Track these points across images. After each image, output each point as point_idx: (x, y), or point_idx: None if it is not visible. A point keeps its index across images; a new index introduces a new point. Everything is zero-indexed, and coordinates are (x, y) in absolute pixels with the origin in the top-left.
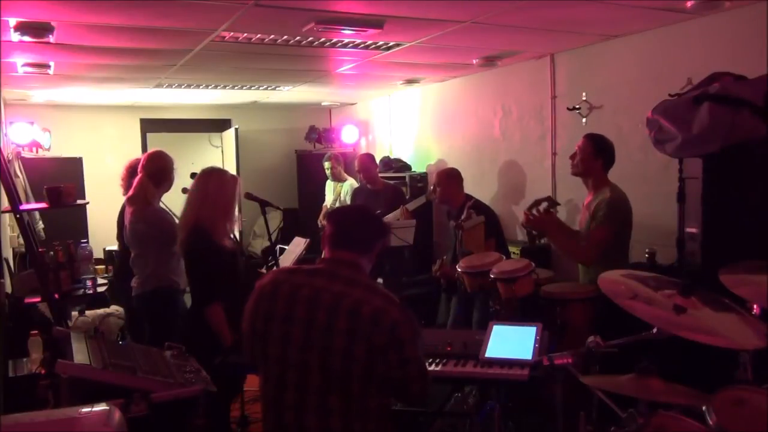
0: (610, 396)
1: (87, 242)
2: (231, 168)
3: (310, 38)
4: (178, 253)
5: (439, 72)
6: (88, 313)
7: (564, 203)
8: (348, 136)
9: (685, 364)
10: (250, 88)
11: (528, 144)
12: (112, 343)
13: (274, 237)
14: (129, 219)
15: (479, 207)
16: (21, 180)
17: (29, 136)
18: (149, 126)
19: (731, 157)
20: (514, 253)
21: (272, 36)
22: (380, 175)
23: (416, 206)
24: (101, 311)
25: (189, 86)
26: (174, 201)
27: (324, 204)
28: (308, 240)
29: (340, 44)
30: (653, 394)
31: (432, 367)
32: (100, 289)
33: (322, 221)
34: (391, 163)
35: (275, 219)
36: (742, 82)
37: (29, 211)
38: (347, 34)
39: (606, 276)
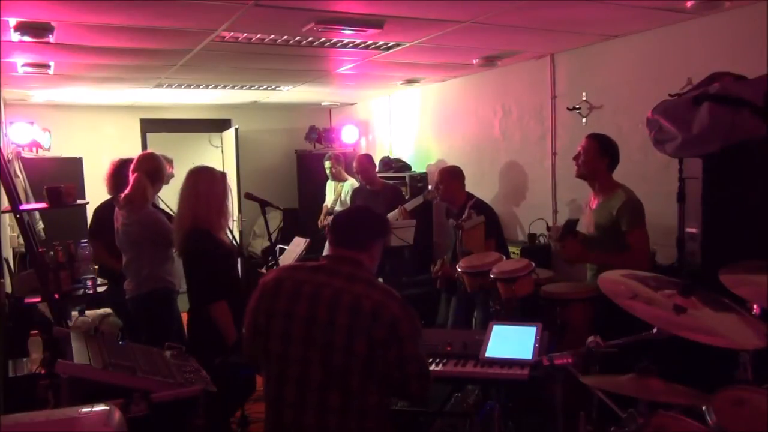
0: (610, 396)
1: (87, 242)
2: (231, 168)
3: (310, 38)
4: (173, 255)
5: (439, 72)
6: (88, 313)
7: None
8: (348, 136)
9: (685, 364)
10: (250, 88)
11: (528, 144)
12: (112, 343)
13: (274, 237)
14: (121, 221)
15: (480, 206)
16: (21, 180)
17: (29, 136)
18: (149, 126)
19: (731, 157)
20: (514, 253)
21: (272, 36)
22: (380, 175)
23: (414, 206)
24: (101, 311)
25: (189, 86)
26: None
27: (324, 204)
28: (308, 240)
29: (340, 44)
30: (653, 394)
31: (432, 367)
32: (100, 289)
33: (322, 221)
34: (391, 163)
35: (275, 219)
36: (742, 82)
37: (29, 211)
38: (347, 34)
39: (606, 276)
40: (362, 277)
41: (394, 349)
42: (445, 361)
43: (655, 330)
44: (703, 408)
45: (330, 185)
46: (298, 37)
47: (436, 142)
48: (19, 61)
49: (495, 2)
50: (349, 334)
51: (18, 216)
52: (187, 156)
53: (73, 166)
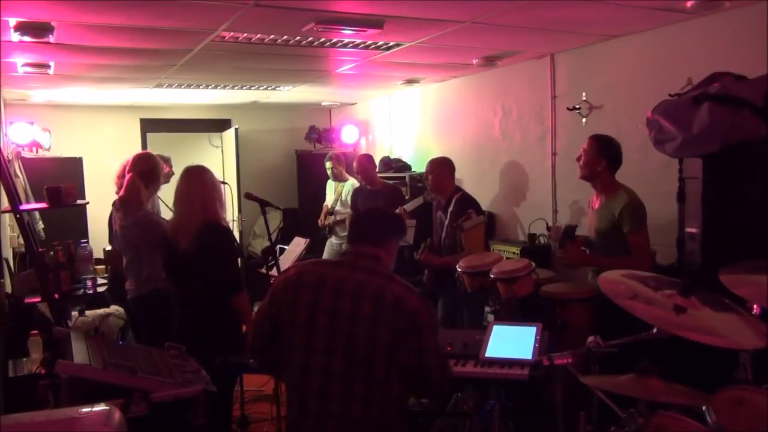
0: (610, 396)
1: (87, 242)
2: (231, 168)
3: (310, 38)
4: None
5: (439, 72)
6: (88, 313)
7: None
8: (348, 136)
9: (685, 364)
10: (250, 88)
11: (528, 144)
12: (112, 343)
13: (274, 237)
14: (119, 223)
15: (467, 200)
16: (21, 180)
17: (29, 136)
18: (149, 126)
19: (731, 157)
20: (513, 252)
21: (272, 36)
22: (380, 175)
23: (414, 207)
24: (101, 311)
25: (189, 86)
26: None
27: (324, 204)
28: (308, 240)
29: (340, 44)
30: (653, 394)
31: None
32: (100, 289)
33: (322, 221)
34: (391, 163)
35: (275, 219)
36: (742, 82)
37: (29, 211)
38: (347, 34)
39: (606, 276)
40: (382, 272)
41: (413, 339)
42: None
43: (655, 330)
44: (703, 408)
45: (330, 185)
46: (298, 37)
47: (436, 142)
48: (19, 61)
49: (495, 2)
50: (373, 324)
51: (18, 216)
52: (187, 156)
53: (73, 166)
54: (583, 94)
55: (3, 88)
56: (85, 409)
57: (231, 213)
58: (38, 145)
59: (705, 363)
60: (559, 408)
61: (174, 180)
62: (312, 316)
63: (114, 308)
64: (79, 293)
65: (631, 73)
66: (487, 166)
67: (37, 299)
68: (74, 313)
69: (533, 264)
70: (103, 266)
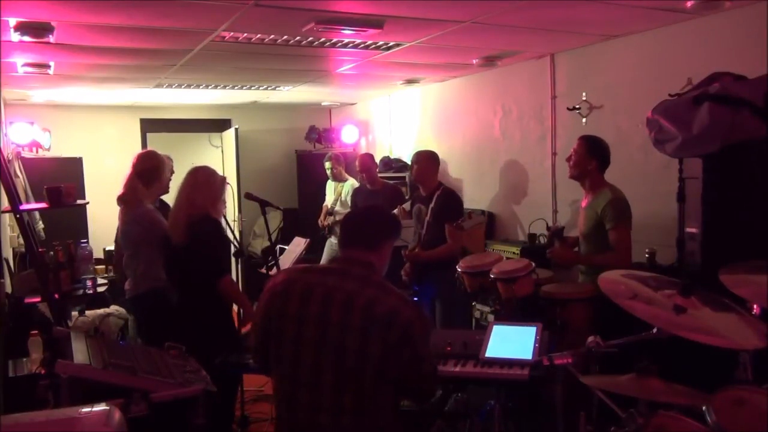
0: (610, 396)
1: (87, 242)
2: (231, 168)
3: (310, 38)
4: None
5: (439, 72)
6: (88, 313)
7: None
8: (348, 136)
9: (685, 364)
10: (250, 88)
11: (528, 144)
12: (112, 343)
13: (274, 237)
14: (120, 220)
15: (448, 194)
16: (21, 180)
17: (29, 136)
18: (149, 126)
19: (731, 157)
20: (513, 252)
21: (272, 36)
22: (380, 175)
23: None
24: (101, 311)
25: (189, 86)
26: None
27: (324, 204)
28: (308, 240)
29: (340, 44)
30: (653, 394)
31: None
32: (100, 289)
33: (322, 221)
34: (391, 163)
35: (275, 219)
36: (742, 82)
37: (29, 211)
38: (347, 34)
39: (606, 276)
40: (374, 281)
41: (408, 351)
42: (445, 361)
43: (655, 330)
44: (703, 408)
45: (330, 185)
46: (298, 37)
47: (436, 142)
48: (19, 61)
49: (495, 2)
50: (363, 336)
51: (18, 216)
52: (187, 156)
53: (73, 166)
54: (583, 94)
55: (3, 88)
56: (85, 409)
57: (231, 213)
58: (38, 145)
59: (705, 363)
60: (559, 408)
61: (174, 177)
62: (300, 327)
63: (114, 308)
64: (79, 293)
65: (631, 73)
66: (487, 166)
67: (37, 299)
68: (74, 313)
69: (533, 264)
70: (103, 266)
